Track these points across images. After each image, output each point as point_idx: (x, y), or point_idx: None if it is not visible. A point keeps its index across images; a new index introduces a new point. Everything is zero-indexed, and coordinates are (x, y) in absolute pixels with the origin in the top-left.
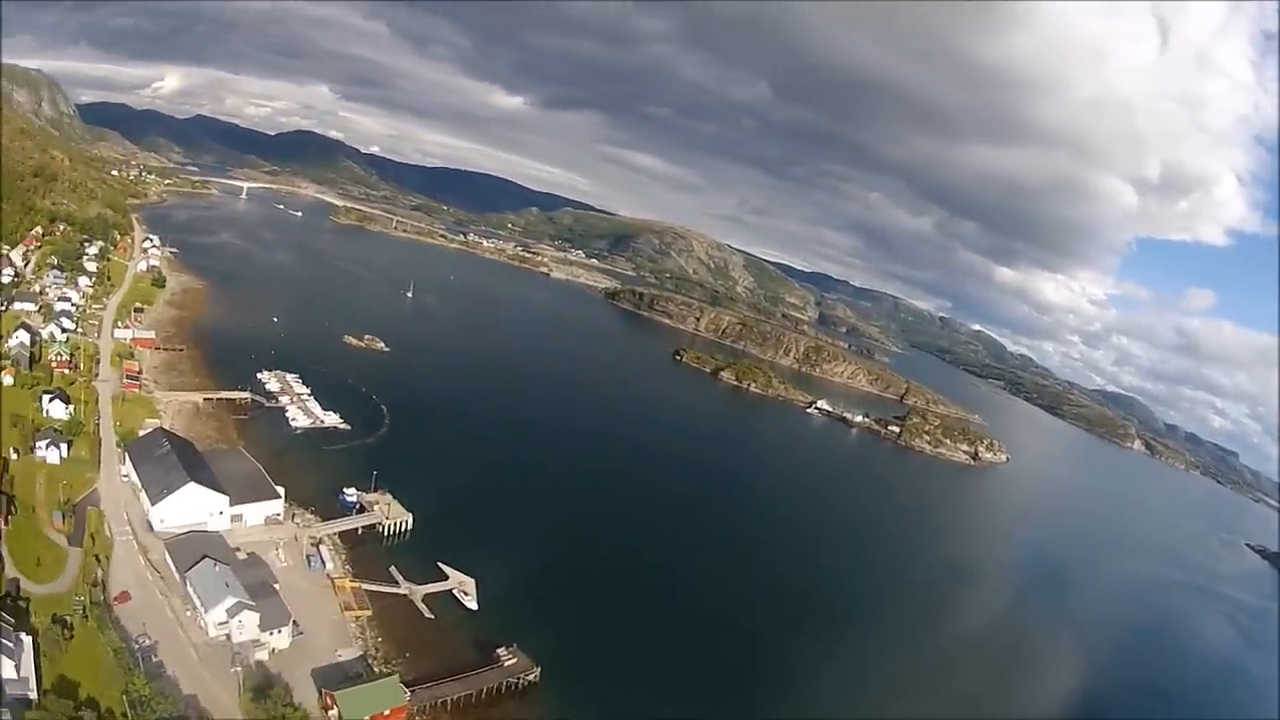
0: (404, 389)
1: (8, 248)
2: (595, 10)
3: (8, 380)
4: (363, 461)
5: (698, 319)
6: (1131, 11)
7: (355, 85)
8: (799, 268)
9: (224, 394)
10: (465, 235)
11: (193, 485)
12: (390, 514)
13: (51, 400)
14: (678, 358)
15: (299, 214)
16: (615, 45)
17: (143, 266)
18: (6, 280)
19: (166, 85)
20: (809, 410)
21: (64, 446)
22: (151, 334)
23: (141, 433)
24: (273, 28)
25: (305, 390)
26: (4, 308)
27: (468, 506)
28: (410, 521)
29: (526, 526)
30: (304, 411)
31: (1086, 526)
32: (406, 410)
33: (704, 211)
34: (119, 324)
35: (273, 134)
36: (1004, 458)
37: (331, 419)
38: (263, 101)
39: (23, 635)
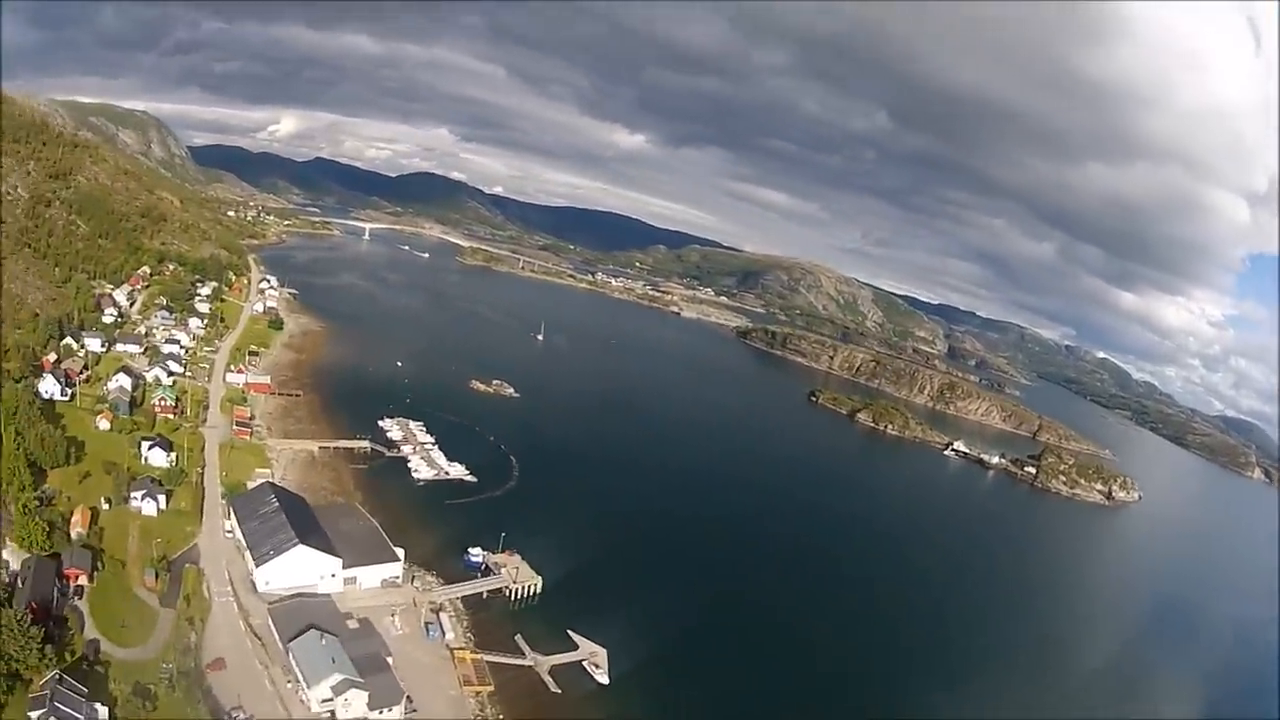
0: (534, 437)
1: (111, 287)
2: (711, 45)
3: (104, 425)
4: (489, 517)
5: (831, 357)
6: (1223, 14)
7: (476, 127)
8: (925, 300)
9: (342, 443)
10: (594, 274)
11: (302, 548)
12: (518, 577)
13: (151, 447)
14: (813, 399)
15: (425, 255)
16: (733, 80)
17: (259, 308)
18: (109, 320)
19: (283, 128)
20: (946, 452)
21: (162, 498)
22: (266, 379)
23: (250, 484)
24: (385, 71)
25: (429, 439)
26: (105, 349)
27: (601, 567)
28: (539, 585)
29: (663, 588)
30: (427, 462)
31: (1219, 570)
32: (536, 460)
33: (829, 245)
34: (231, 367)
35: (394, 176)
36: (1136, 496)
37: (457, 470)
38: (383, 144)
39: (98, 705)
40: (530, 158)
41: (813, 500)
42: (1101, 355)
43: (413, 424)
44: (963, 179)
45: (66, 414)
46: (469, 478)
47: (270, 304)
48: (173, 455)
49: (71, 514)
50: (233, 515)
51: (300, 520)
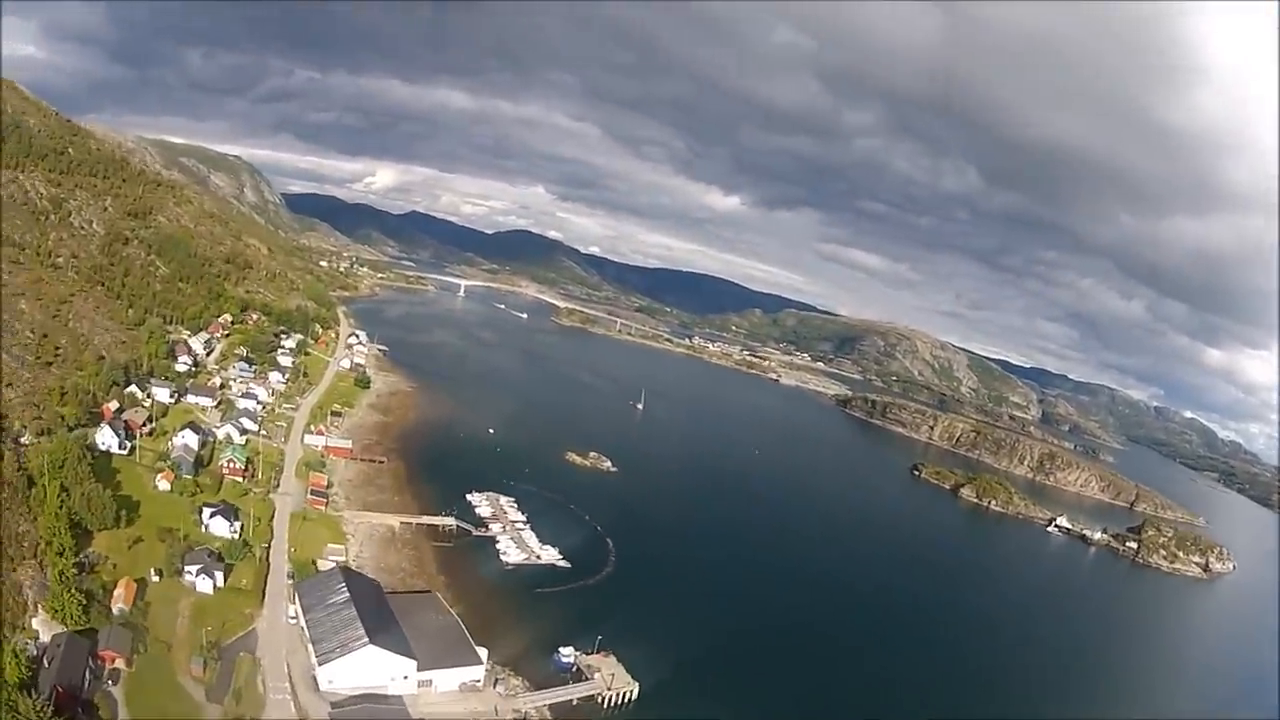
0: (633, 517)
1: (188, 333)
2: (803, 104)
3: (163, 485)
4: (583, 609)
5: (931, 427)
6: None
7: (571, 186)
8: (1018, 363)
9: (425, 519)
10: (691, 338)
11: (372, 648)
12: (612, 682)
13: (214, 514)
14: (916, 472)
15: (524, 315)
16: (825, 140)
17: (346, 364)
18: (182, 369)
19: (379, 180)
20: (1049, 529)
21: (220, 573)
22: (348, 442)
23: (321, 563)
24: (480, 127)
25: (520, 517)
26: (175, 400)
27: (703, 670)
28: (635, 691)
29: (771, 695)
30: (518, 544)
31: None
32: (635, 544)
33: (923, 308)
34: (311, 428)
35: (490, 232)
36: (1231, 566)
37: (549, 554)
38: (479, 200)
39: None
40: (626, 218)
41: (919, 588)
42: (1189, 415)
43: (503, 500)
44: (1052, 237)
45: (123, 470)
46: (562, 563)
47: (358, 360)
48: (237, 525)
49: (115, 585)
50: (298, 601)
51: (373, 613)
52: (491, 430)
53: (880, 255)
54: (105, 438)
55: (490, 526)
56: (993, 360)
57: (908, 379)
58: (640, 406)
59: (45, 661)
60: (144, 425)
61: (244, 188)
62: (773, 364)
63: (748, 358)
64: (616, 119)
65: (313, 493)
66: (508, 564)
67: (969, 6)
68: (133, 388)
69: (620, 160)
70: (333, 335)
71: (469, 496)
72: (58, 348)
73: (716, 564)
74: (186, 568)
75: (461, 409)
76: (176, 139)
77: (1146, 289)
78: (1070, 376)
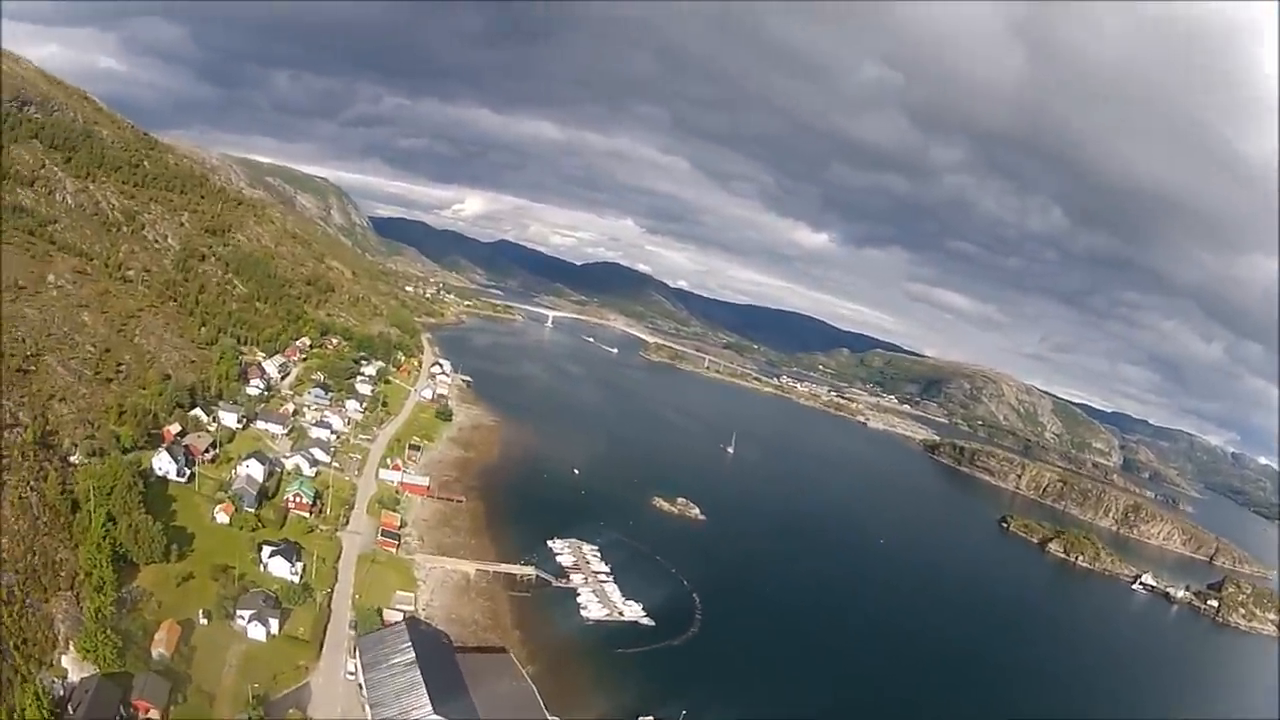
0: (720, 570)
1: (263, 355)
2: (891, 141)
3: (222, 518)
4: (666, 673)
5: (1019, 476)
6: None
7: (660, 219)
8: (1100, 407)
9: (503, 566)
10: (779, 378)
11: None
12: None
13: (274, 553)
14: (1004, 525)
15: (614, 350)
16: (914, 177)
17: (428, 395)
18: (254, 393)
19: (468, 208)
20: (1134, 586)
21: (275, 620)
22: (425, 480)
23: (389, 612)
24: (569, 159)
25: (604, 568)
26: (242, 425)
27: None
28: None
29: None
30: (599, 598)
31: None
32: (722, 600)
33: (1008, 350)
34: (387, 462)
35: (579, 264)
36: None
37: (632, 611)
38: (567, 231)
39: None
40: (715, 253)
41: (1008, 652)
42: (1264, 462)
43: (586, 547)
44: (1136, 278)
45: (179, 499)
46: (645, 620)
47: (440, 391)
48: (299, 566)
49: (157, 626)
50: (359, 656)
51: (439, 677)
52: (577, 471)
53: (968, 296)
54: (162, 463)
55: (571, 577)
56: (1076, 404)
57: (993, 423)
58: (730, 450)
59: (71, 706)
60: (206, 451)
61: (331, 210)
62: (860, 406)
63: (836, 399)
64: (706, 153)
65: (384, 533)
66: (588, 619)
67: (1052, 40)
68: (197, 411)
69: (709, 195)
70: (415, 364)
71: (550, 543)
72: (120, 364)
73: (806, 623)
74: (239, 611)
75: (547, 446)
76: (263, 158)
77: (1226, 330)
78: (1150, 421)
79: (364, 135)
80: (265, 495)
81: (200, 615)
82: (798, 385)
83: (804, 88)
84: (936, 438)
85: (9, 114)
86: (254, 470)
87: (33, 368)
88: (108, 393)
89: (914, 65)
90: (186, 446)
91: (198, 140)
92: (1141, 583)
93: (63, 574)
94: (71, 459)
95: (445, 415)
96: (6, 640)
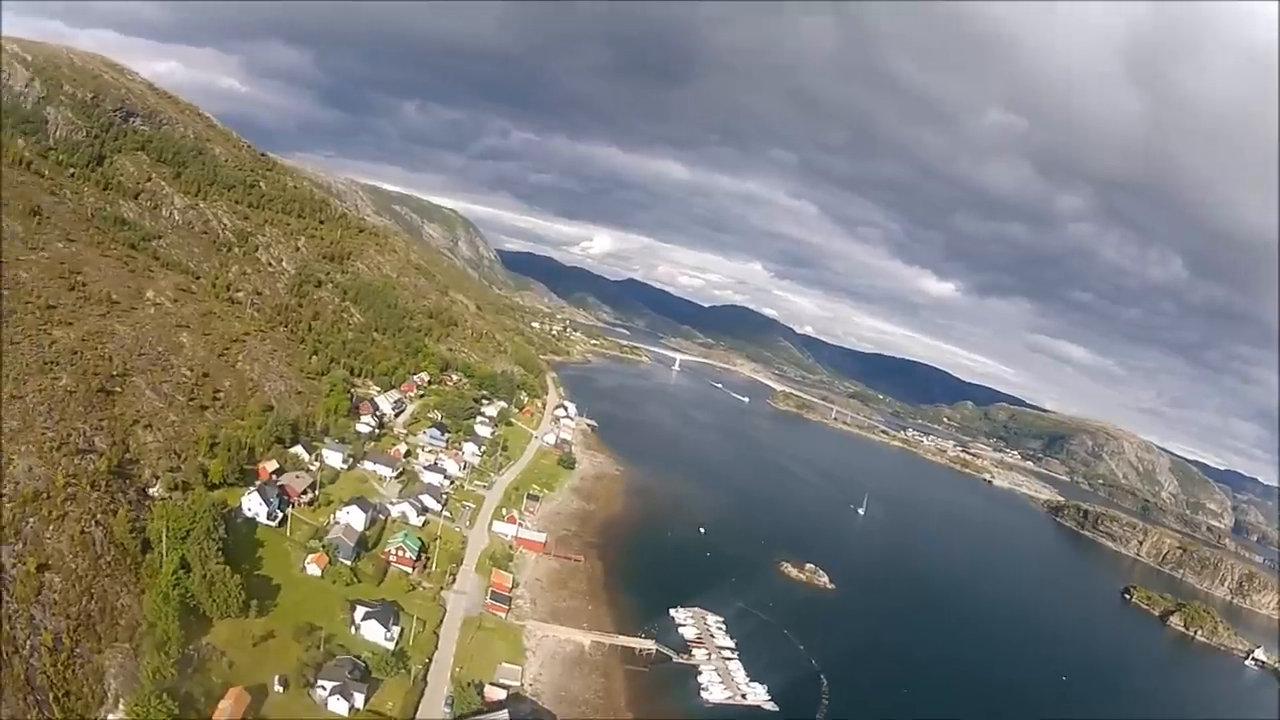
0: (848, 645)
1: (377, 390)
2: (1015, 189)
3: (313, 570)
4: None
5: (1140, 542)
6: None
7: (787, 264)
8: (1213, 464)
9: (621, 639)
10: (905, 430)
11: None
12: None
13: (368, 616)
14: (1127, 596)
15: (745, 399)
16: (1037, 225)
17: (550, 439)
18: (364, 430)
19: (596, 245)
20: (1246, 661)
21: (361, 693)
22: (542, 536)
23: (491, 689)
24: (697, 199)
25: (728, 643)
26: (348, 466)
27: None
28: None
29: None
30: (722, 678)
31: None
32: (850, 682)
33: (1125, 404)
34: (503, 512)
35: (706, 305)
36: None
37: (756, 694)
38: (695, 272)
39: None
40: (841, 299)
41: None
42: None
43: (710, 618)
44: (1248, 330)
45: (268, 545)
46: (769, 705)
47: (564, 436)
48: (395, 630)
49: (224, 692)
50: None
51: None
52: (702, 530)
53: (1087, 348)
54: (253, 503)
55: (694, 652)
56: (1190, 461)
57: (1113, 482)
58: (861, 511)
59: None
60: (304, 493)
61: (458, 241)
62: (985, 463)
63: (961, 455)
64: (834, 198)
65: (493, 595)
66: (708, 702)
67: (1168, 84)
68: (298, 448)
69: (837, 240)
70: (539, 405)
71: (673, 612)
72: (218, 391)
73: (932, 711)
74: (320, 681)
75: (672, 500)
76: (391, 186)
77: None
78: (1260, 480)
79: (493, 168)
80: (365, 546)
81: (275, 682)
82: (924, 440)
83: (930, 134)
84: (1060, 498)
85: (112, 123)
86: (354, 518)
87: (118, 389)
88: (200, 421)
89: (1036, 110)
90: (282, 487)
91: (323, 165)
92: (1253, 658)
93: (122, 623)
94: (150, 491)
95: (568, 463)
96: (47, 692)
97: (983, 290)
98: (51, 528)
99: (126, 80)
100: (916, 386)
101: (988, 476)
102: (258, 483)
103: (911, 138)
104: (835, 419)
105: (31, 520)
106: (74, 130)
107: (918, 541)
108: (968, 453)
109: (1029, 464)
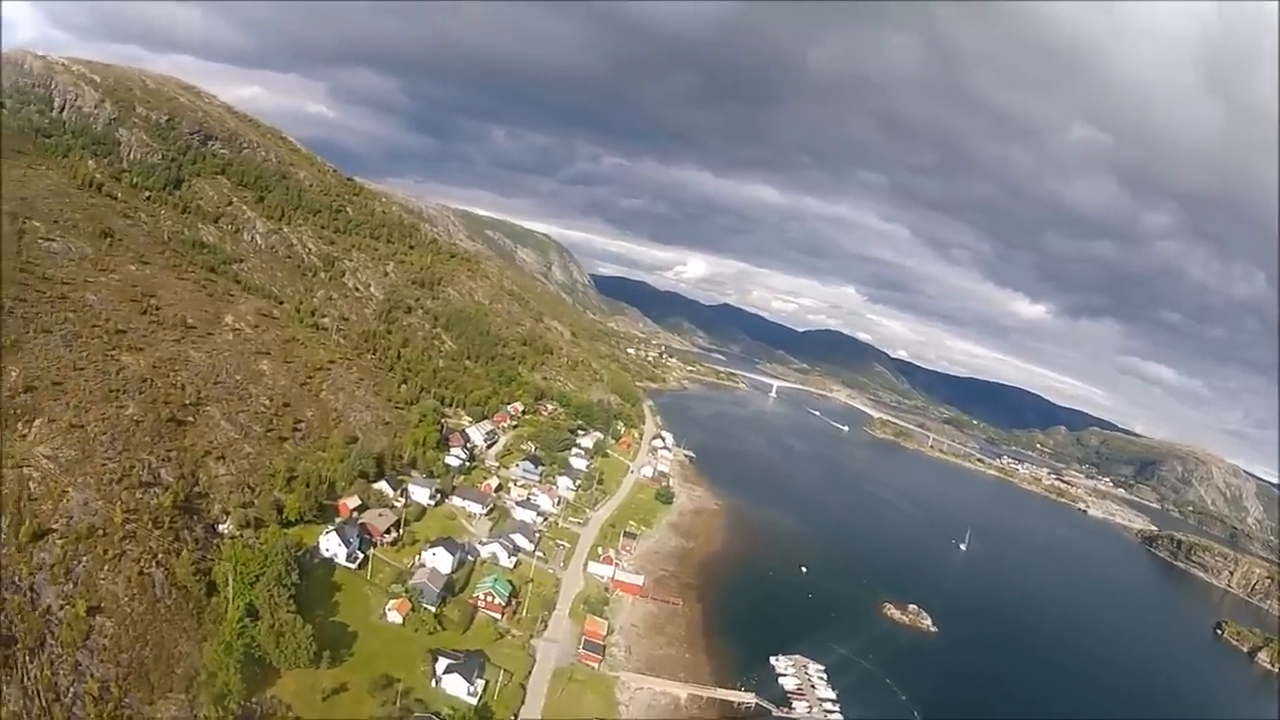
0: (951, 694)
1: (469, 420)
2: (1103, 206)
3: (394, 616)
4: None
5: (1231, 573)
6: None
7: (880, 287)
8: None
9: (719, 692)
10: (1000, 458)
11: None
12: None
13: (450, 669)
14: (1219, 632)
15: (845, 428)
16: (1125, 243)
17: (648, 472)
18: (454, 463)
19: (690, 270)
20: None
21: None
22: (640, 578)
23: None
24: (790, 224)
25: (830, 695)
26: (435, 502)
27: None
28: None
29: None
30: None
31: None
32: None
33: (1211, 426)
34: (599, 552)
35: (800, 331)
36: None
37: None
38: (789, 297)
39: None
40: (933, 322)
41: None
42: None
43: (812, 667)
44: None
45: (345, 589)
46: None
47: (662, 468)
48: (478, 683)
49: None
50: None
51: None
52: (804, 569)
53: (1175, 369)
54: (331, 544)
55: (794, 705)
56: (1275, 485)
57: (1202, 509)
58: (963, 547)
59: None
60: (387, 532)
61: (552, 266)
62: (1080, 492)
63: (1056, 484)
64: (925, 220)
65: (587, 644)
66: None
67: (1246, 95)
68: (383, 483)
69: (930, 263)
70: (636, 435)
71: (773, 660)
72: (298, 421)
73: None
74: None
75: (773, 536)
76: (483, 211)
77: None
78: None
79: (584, 193)
80: (451, 590)
81: None
82: (1019, 468)
83: (1017, 151)
84: (1153, 527)
85: (190, 146)
86: (441, 560)
87: (190, 419)
88: (278, 453)
89: (1119, 124)
90: (363, 525)
91: (414, 190)
92: None
93: (178, 672)
94: (220, 529)
95: (666, 497)
96: None
97: (1073, 311)
98: (106, 567)
99: (204, 103)
100: (1009, 411)
101: (1082, 506)
102: (337, 520)
103: (999, 156)
104: (932, 447)
105: (85, 559)
106: (149, 152)
107: (1018, 578)
108: (1062, 481)
109: (1121, 491)
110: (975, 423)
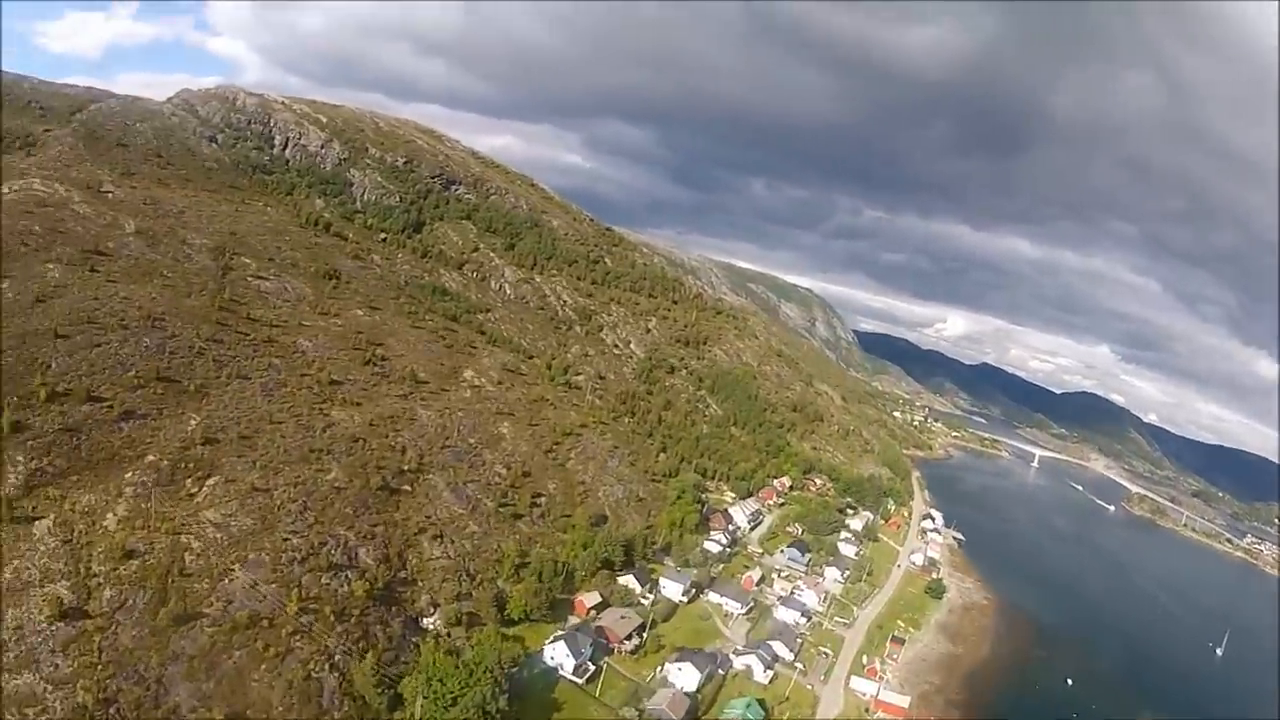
0: None
1: (731, 496)
2: None
3: None
4: None
5: None
6: None
7: (1133, 346)
8: None
9: None
10: (1244, 536)
11: None
12: None
13: None
14: None
15: (1111, 508)
16: None
17: (918, 559)
18: (713, 549)
19: (950, 327)
20: None
21: None
22: (905, 699)
23: None
24: (1045, 278)
25: None
26: (687, 598)
27: None
28: None
29: None
30: None
31: None
32: None
33: None
34: (863, 662)
35: (1057, 392)
36: None
37: None
38: (1046, 356)
39: None
40: (1182, 382)
41: None
42: None
43: None
44: None
45: (568, 705)
46: None
47: (932, 553)
48: None
49: None
50: None
51: None
52: (1069, 681)
53: None
54: (558, 654)
55: None
56: None
57: None
58: (1219, 651)
59: None
60: (628, 638)
61: (815, 321)
62: None
63: None
64: (1174, 273)
65: None
66: None
67: None
68: (630, 577)
69: (1180, 319)
70: (905, 515)
71: None
72: (538, 495)
73: None
74: None
75: (1039, 638)
76: (744, 264)
77: None
78: None
79: (846, 247)
80: (694, 714)
81: None
82: (1261, 548)
83: (1257, 196)
84: None
85: (430, 189)
86: (686, 677)
87: (406, 487)
88: (509, 533)
89: None
90: (601, 629)
91: (675, 241)
92: None
93: None
94: (424, 623)
95: (937, 591)
96: None
97: None
98: (264, 666)
99: (445, 147)
100: (1251, 482)
101: None
102: (571, 621)
103: (1239, 201)
104: (1185, 524)
105: (238, 654)
106: (384, 194)
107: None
108: None
109: None
110: (1222, 495)
